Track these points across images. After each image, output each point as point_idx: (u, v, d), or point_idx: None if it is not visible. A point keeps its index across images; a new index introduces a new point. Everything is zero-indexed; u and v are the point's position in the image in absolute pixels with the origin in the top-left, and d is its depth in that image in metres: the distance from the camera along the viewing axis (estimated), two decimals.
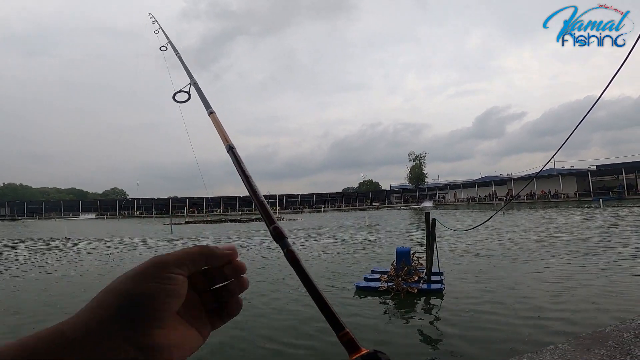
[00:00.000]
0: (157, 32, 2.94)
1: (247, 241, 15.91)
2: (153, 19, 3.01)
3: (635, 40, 2.43)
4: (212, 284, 0.37)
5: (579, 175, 57.52)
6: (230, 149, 0.73)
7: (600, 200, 36.21)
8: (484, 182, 71.11)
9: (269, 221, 0.46)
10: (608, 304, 5.14)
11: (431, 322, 4.96)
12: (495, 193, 63.30)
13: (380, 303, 5.81)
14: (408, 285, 6.18)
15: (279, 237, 0.45)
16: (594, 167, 60.74)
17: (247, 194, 0.60)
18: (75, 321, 0.29)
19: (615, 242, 10.57)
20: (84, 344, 0.28)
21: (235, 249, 0.38)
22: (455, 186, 79.20)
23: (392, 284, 6.26)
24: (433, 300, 5.83)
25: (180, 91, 1.24)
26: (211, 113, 1.05)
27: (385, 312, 5.41)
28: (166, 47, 2.05)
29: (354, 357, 0.34)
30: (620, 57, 2.54)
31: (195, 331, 0.34)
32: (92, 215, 72.05)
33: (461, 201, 72.00)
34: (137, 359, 0.29)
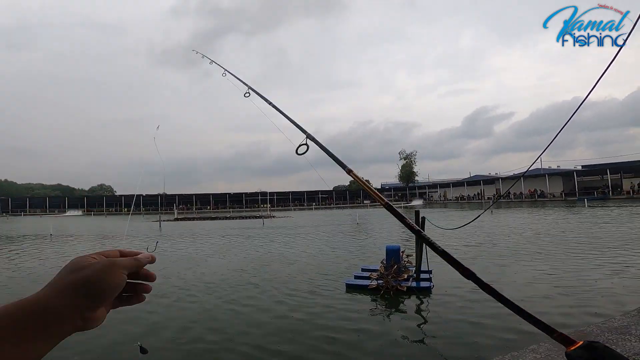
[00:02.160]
0: (211, 63, 3.14)
1: (235, 238, 15.83)
2: (201, 55, 3.37)
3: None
4: (132, 279, 0.52)
5: (565, 175, 58.64)
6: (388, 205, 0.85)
7: (585, 200, 36.99)
8: (473, 181, 72.04)
9: None
10: (591, 303, 5.25)
11: (419, 321, 5.01)
12: (484, 192, 64.15)
13: (370, 301, 5.84)
14: (397, 283, 6.22)
15: None
16: (580, 168, 62.00)
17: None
18: (47, 293, 0.42)
19: (596, 242, 10.81)
20: (50, 310, 0.40)
21: (153, 259, 0.53)
22: (445, 185, 80.00)
23: (382, 282, 6.28)
24: (422, 299, 5.89)
25: (300, 145, 1.44)
26: (350, 171, 1.12)
27: (374, 310, 5.43)
28: (249, 93, 2.19)
29: (572, 348, 0.49)
30: (607, 59, 2.57)
31: (105, 310, 0.48)
32: (78, 212, 70.75)
33: (450, 200, 72.77)
34: (78, 327, 0.43)
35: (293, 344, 4.19)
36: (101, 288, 0.44)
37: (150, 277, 0.54)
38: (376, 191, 0.90)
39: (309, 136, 1.46)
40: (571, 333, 3.12)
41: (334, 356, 3.90)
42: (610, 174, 51.68)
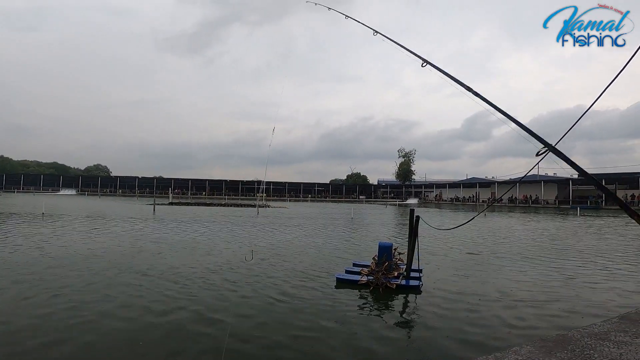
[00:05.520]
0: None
1: (229, 227, 15.87)
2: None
3: (634, 52, 2.43)
4: None
5: (561, 182, 59.03)
6: None
7: (578, 208, 37.39)
8: (469, 184, 72.46)
9: None
10: (576, 308, 5.35)
11: (405, 319, 5.08)
12: (479, 195, 64.56)
13: (359, 297, 5.89)
14: (387, 280, 6.29)
15: None
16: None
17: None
18: None
19: (585, 249, 10.96)
20: None
21: None
22: (441, 185, 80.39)
23: (372, 278, 6.35)
24: (410, 297, 5.96)
25: None
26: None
27: (362, 306, 5.50)
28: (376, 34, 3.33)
29: None
30: (618, 67, 2.56)
31: None
32: (72, 191, 70.64)
33: (445, 200, 73.15)
34: None
35: (277, 335, 4.25)
36: None
37: None
38: None
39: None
40: (552, 337, 3.18)
41: (316, 348, 3.96)
42: (605, 184, 52.12)
